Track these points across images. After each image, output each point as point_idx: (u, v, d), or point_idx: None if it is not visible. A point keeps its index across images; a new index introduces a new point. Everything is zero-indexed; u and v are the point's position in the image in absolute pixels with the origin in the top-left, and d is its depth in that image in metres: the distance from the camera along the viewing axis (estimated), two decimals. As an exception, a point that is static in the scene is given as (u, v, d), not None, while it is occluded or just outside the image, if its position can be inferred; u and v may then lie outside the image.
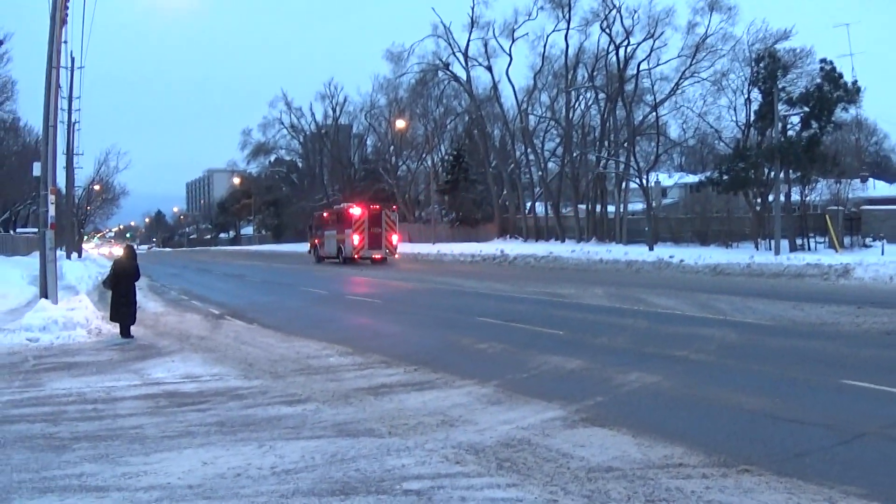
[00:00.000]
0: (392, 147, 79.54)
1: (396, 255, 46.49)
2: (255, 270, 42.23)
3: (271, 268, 45.25)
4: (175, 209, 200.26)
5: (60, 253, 46.15)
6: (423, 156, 75.33)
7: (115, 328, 16.18)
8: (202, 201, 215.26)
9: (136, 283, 16.73)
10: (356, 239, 44.83)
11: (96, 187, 78.97)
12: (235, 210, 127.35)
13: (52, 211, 18.32)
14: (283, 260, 58.18)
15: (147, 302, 23.87)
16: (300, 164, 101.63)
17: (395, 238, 46.09)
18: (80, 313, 16.91)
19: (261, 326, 17.24)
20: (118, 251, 18.61)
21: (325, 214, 52.52)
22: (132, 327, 16.09)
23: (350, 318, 18.69)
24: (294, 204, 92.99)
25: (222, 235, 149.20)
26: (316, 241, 52.76)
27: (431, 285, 27.62)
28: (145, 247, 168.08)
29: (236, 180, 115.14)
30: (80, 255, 62.79)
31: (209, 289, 30.13)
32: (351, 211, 45.93)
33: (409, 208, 76.66)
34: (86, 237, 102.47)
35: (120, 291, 16.11)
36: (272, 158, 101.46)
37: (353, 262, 45.02)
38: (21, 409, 9.49)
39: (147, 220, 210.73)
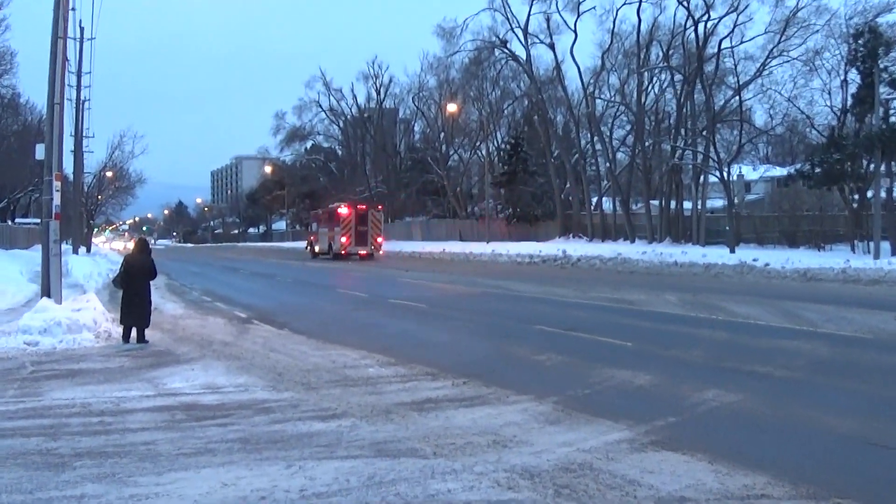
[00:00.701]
0: (442, 134, 79.89)
1: (381, 252, 56.01)
2: (286, 270, 42.67)
3: (305, 267, 45.97)
4: (198, 200, 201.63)
5: (66, 247, 46.18)
6: (477, 144, 75.46)
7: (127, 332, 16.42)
8: (229, 192, 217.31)
9: (152, 283, 16.85)
10: (343, 237, 54.15)
11: (108, 174, 77.38)
12: (266, 202, 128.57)
13: (57, 199, 18.07)
14: (308, 256, 58.76)
15: (165, 303, 24.14)
16: (340, 152, 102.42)
17: (379, 237, 55.54)
18: (87, 314, 16.90)
19: (292, 332, 17.36)
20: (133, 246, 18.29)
21: (319, 213, 62.40)
22: (146, 331, 16.25)
23: (392, 324, 18.70)
24: (332, 196, 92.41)
25: (251, 230, 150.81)
26: (312, 237, 61.87)
27: (484, 289, 27.71)
28: (165, 242, 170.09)
29: (268, 169, 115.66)
30: (88, 250, 63.64)
31: (235, 289, 30.48)
32: (339, 211, 55.28)
33: (460, 203, 76.86)
34: (96, 230, 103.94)
35: (132, 291, 16.12)
36: (308, 145, 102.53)
37: (342, 258, 53.84)
38: (15, 422, 9.41)
39: (166, 212, 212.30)
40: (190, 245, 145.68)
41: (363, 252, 54.52)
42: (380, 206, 59.22)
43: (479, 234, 64.70)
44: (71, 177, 54.43)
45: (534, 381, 11.25)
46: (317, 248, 59.59)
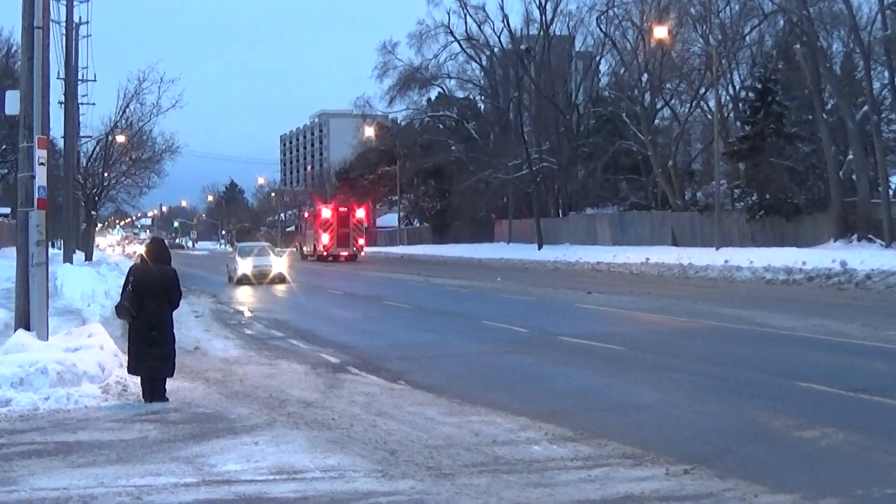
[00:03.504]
0: (645, 77, 79.00)
1: (363, 253, 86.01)
2: (400, 288, 43.28)
3: (430, 285, 46.92)
4: (260, 181, 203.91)
5: (54, 252, 45.66)
6: (702, 93, 74.35)
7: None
8: (308, 168, 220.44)
9: (178, 305, 16.81)
10: (325, 238, 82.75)
11: (120, 138, 74.66)
12: (367, 184, 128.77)
13: (41, 177, 17.83)
14: (451, 272, 59.81)
15: (211, 340, 24.93)
16: (482, 106, 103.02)
17: (360, 239, 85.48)
18: (88, 357, 16.99)
19: (411, 386, 17.67)
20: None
21: (306, 214, 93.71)
22: (169, 382, 16.31)
23: (567, 376, 18.72)
24: (471, 174, 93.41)
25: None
26: (300, 240, 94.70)
27: (712, 321, 27.55)
28: (208, 245, 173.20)
29: (369, 131, 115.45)
30: (89, 257, 65.89)
31: (320, 318, 31.09)
32: (322, 211, 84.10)
33: (673, 186, 75.74)
34: (100, 226, 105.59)
35: (145, 321, 16.06)
36: (433, 95, 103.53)
37: (324, 260, 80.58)
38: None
39: (210, 198, 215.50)
40: None
41: (345, 253, 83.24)
42: (364, 205, 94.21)
43: (704, 235, 63.88)
44: (61, 143, 54.86)
45: (798, 472, 11.10)
46: (304, 250, 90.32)
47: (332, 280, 54.72)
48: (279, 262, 52.89)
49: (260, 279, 50.52)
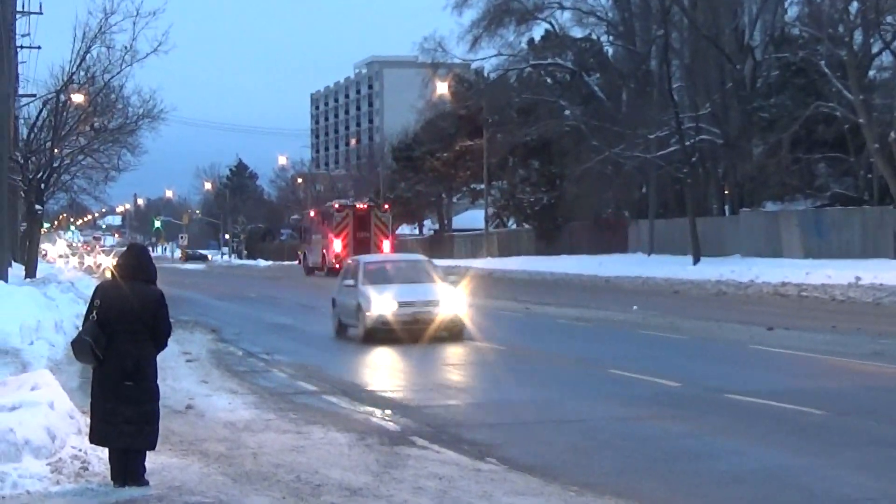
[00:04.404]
0: (855, 6, 78.63)
1: None
2: (486, 320, 42.86)
3: (532, 316, 47.37)
4: (281, 160, 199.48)
5: None
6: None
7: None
8: (351, 142, 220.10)
9: (165, 344, 16.61)
10: (338, 245, 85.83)
11: (77, 97, 73.34)
12: (436, 166, 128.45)
13: None
14: (564, 296, 60.26)
15: (210, 394, 25.33)
16: (610, 50, 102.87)
17: (386, 244, 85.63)
18: (32, 418, 16.89)
19: (505, 466, 17.66)
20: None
21: (311, 214, 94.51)
22: (150, 457, 16.18)
23: (739, 453, 18.58)
24: (593, 152, 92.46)
25: (404, 229, 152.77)
26: (304, 249, 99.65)
27: None
28: (212, 257, 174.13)
29: (442, 88, 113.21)
30: (31, 271, 66.33)
31: (365, 363, 31.65)
32: (333, 211, 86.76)
33: None
34: (48, 227, 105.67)
35: (115, 364, 15.66)
36: (536, 35, 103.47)
37: (336, 274, 63.51)
38: None
39: (209, 186, 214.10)
40: (263, 263, 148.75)
41: None
42: (385, 206, 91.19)
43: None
44: None
45: None
46: (310, 262, 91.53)
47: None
48: (450, 296, 40.56)
49: (415, 330, 38.30)
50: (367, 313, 38.61)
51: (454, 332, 38.53)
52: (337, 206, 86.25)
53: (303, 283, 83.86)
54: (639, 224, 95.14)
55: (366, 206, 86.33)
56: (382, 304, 38.57)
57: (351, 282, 41.09)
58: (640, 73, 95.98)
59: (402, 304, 38.53)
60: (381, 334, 38.32)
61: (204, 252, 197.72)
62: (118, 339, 15.49)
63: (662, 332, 39.22)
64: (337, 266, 78.94)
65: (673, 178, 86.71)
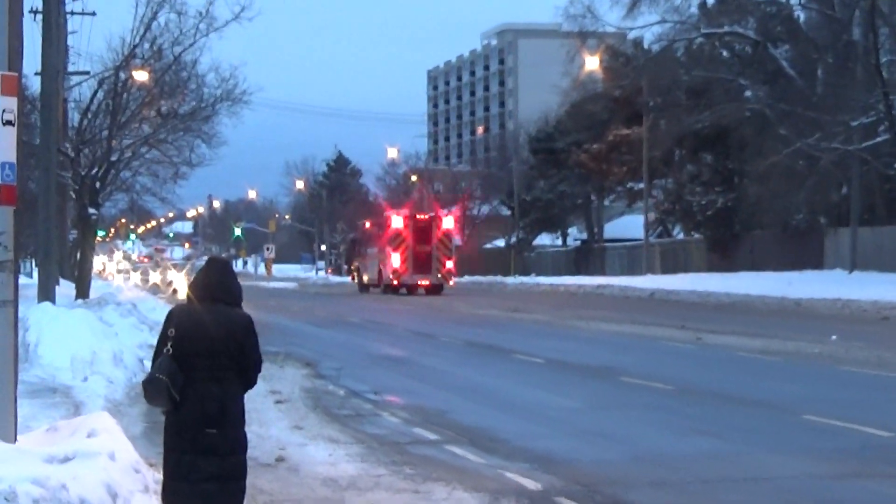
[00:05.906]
0: None
1: (451, 283, 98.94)
2: (645, 353, 43.89)
3: (704, 348, 48.74)
4: (391, 153, 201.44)
5: (25, 281, 45.81)
6: None
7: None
8: (478, 130, 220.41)
9: (255, 381, 16.28)
10: (396, 259, 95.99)
11: (140, 76, 72.85)
12: (585, 160, 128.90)
13: (6, 147, 17.08)
14: (744, 323, 61.59)
15: (306, 444, 25.49)
16: (801, 16, 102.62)
17: (448, 262, 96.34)
18: (89, 472, 16.51)
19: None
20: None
21: (367, 226, 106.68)
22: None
23: None
24: (781, 144, 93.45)
25: (543, 239, 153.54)
26: (355, 263, 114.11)
27: None
28: (294, 271, 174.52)
29: (591, 63, 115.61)
30: (84, 290, 67.69)
31: (498, 405, 31.73)
32: (390, 222, 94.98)
33: None
34: (103, 237, 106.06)
35: (196, 408, 15.33)
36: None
37: (394, 291, 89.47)
38: None
39: (300, 186, 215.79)
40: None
41: (425, 282, 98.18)
42: (451, 213, 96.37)
43: None
44: (34, 86, 55.01)
45: None
46: (365, 278, 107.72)
47: (507, 336, 55.24)
48: None
49: None
50: None
51: None
52: (394, 216, 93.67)
53: (417, 306, 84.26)
54: (838, 233, 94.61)
55: (427, 216, 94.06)
56: None
57: None
58: (840, 44, 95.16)
59: None
60: None
61: (292, 267, 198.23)
62: (198, 377, 15.28)
63: (868, 368, 38.68)
64: (395, 283, 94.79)
65: (881, 175, 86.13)
